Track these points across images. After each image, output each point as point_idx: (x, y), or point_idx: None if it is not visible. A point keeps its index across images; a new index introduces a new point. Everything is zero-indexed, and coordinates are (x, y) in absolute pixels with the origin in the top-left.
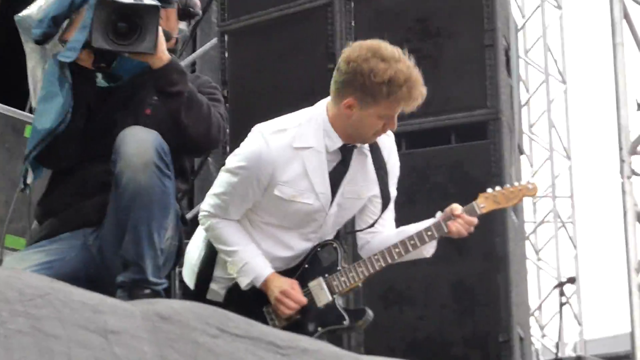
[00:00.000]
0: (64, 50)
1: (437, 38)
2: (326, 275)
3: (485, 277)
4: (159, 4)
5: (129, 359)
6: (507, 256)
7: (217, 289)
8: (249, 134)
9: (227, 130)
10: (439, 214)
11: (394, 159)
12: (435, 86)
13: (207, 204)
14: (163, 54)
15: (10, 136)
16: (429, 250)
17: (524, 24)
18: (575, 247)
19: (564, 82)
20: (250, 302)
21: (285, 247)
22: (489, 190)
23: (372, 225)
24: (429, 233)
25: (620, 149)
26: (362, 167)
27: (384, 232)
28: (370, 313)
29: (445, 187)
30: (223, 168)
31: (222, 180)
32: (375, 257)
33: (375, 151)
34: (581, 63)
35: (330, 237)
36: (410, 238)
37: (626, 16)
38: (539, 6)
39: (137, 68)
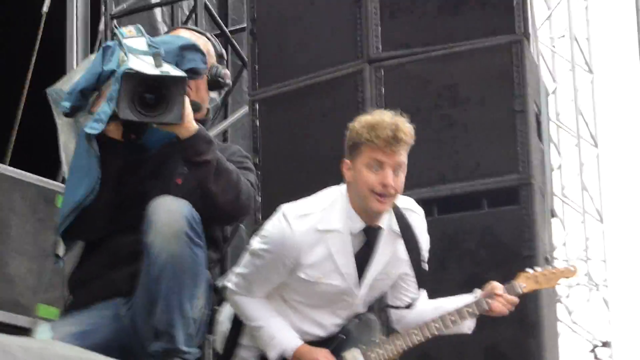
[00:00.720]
0: (91, 122)
1: (467, 104)
2: (362, 346)
3: (518, 343)
4: (185, 75)
5: None
6: (540, 322)
7: (246, 356)
8: (275, 215)
9: (259, 198)
10: (478, 292)
11: (425, 236)
12: (466, 151)
13: (231, 283)
14: (190, 124)
15: (42, 206)
16: (469, 326)
17: (555, 89)
18: (609, 310)
19: (595, 145)
20: None
21: (317, 324)
22: (529, 270)
23: (409, 306)
24: (469, 310)
25: None
26: (392, 248)
27: (419, 306)
28: None
29: (476, 252)
30: (248, 249)
31: (246, 262)
32: (414, 331)
33: (407, 232)
34: (613, 125)
35: (362, 312)
36: (451, 314)
37: None
38: (569, 70)
39: (166, 138)
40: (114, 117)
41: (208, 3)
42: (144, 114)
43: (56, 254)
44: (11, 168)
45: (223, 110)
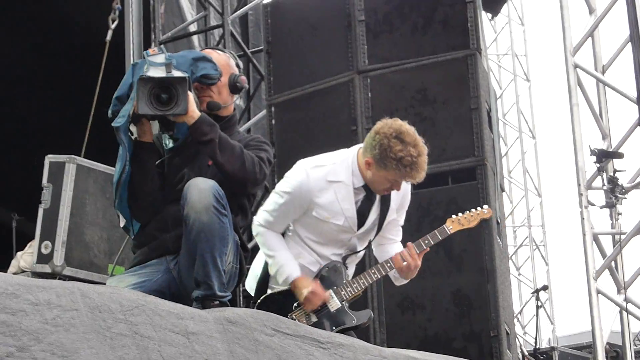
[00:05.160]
0: (117, 117)
1: (434, 104)
2: (334, 287)
3: (478, 287)
4: (186, 75)
5: (206, 353)
6: (495, 270)
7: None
8: (294, 166)
9: (268, 170)
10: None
11: (408, 198)
12: (434, 140)
13: (259, 217)
14: (194, 113)
15: (109, 188)
16: (396, 277)
17: (502, 94)
18: (547, 264)
19: (533, 137)
20: (279, 308)
21: (322, 257)
22: (454, 215)
23: (365, 248)
24: (388, 264)
25: (579, 185)
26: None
27: (388, 245)
28: (371, 314)
29: (444, 218)
30: (274, 190)
31: (271, 200)
32: (372, 271)
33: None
34: (547, 122)
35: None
36: (387, 261)
37: (579, 83)
38: (512, 80)
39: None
40: (139, 116)
41: (233, 31)
42: (158, 109)
43: (123, 227)
44: (86, 160)
45: (246, 113)
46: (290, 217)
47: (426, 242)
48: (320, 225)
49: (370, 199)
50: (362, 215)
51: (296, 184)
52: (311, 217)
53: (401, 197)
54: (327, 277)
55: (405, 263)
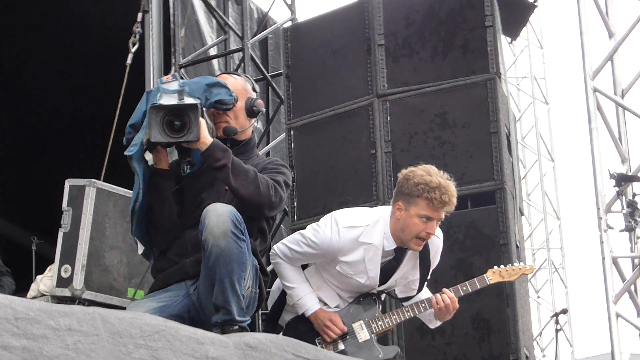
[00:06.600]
0: (130, 146)
1: (454, 127)
2: (366, 319)
3: (498, 311)
4: (197, 102)
5: None
6: (514, 293)
7: (286, 317)
8: (328, 217)
9: (285, 193)
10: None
11: (438, 256)
12: (453, 164)
13: (279, 249)
14: (206, 139)
15: (128, 212)
16: (430, 319)
17: (520, 117)
18: (566, 287)
19: (552, 160)
20: (309, 329)
21: (339, 298)
22: (496, 267)
23: (405, 299)
24: (423, 305)
25: (598, 208)
26: (413, 262)
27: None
28: (398, 350)
29: (463, 242)
30: (302, 231)
31: (297, 240)
32: (406, 309)
33: (424, 251)
34: (566, 144)
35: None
36: (421, 301)
37: (599, 107)
38: (530, 103)
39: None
40: (154, 144)
41: (253, 55)
42: (171, 136)
43: (142, 254)
44: (106, 183)
45: (266, 137)
46: (311, 261)
47: (464, 288)
48: (342, 277)
49: (398, 260)
50: (385, 274)
51: (325, 239)
52: (334, 270)
53: (433, 255)
54: (360, 307)
55: (439, 306)
